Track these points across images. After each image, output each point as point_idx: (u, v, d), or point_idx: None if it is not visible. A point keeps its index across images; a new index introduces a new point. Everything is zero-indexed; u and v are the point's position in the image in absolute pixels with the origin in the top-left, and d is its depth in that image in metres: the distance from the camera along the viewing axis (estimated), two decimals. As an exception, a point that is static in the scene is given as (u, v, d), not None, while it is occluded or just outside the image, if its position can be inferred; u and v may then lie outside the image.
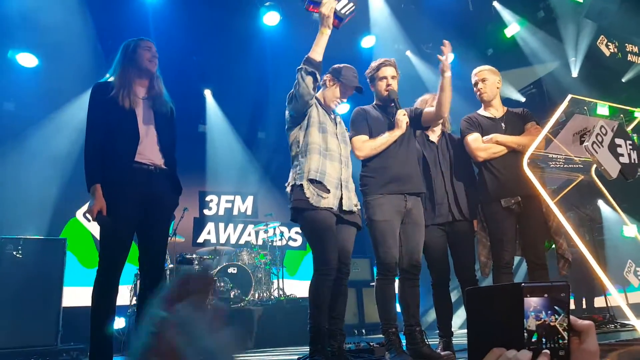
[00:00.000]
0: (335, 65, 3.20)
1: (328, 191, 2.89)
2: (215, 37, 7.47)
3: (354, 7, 2.94)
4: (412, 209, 3.13)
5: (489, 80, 3.46)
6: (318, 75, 2.89)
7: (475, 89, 3.50)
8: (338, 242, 2.90)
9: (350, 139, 3.23)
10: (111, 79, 2.85)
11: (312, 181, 2.87)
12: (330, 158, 2.98)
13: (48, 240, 5.56)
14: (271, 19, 7.24)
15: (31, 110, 7.27)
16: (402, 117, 3.17)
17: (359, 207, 3.07)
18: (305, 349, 2.86)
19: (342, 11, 2.92)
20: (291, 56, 7.49)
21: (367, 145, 3.19)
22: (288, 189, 3.00)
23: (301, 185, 2.87)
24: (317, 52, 2.88)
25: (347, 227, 3.01)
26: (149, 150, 2.75)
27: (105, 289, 2.56)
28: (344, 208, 2.93)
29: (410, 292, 3.14)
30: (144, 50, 2.87)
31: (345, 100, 3.20)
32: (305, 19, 7.50)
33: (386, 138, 3.16)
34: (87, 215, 2.60)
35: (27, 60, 7.01)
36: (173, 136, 2.97)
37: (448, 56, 3.07)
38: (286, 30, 7.39)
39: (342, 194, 2.95)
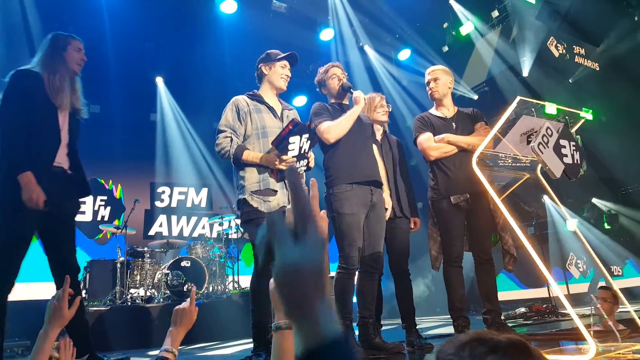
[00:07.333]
0: (260, 57, 3.18)
1: (274, 192, 2.87)
2: (169, 23, 7.24)
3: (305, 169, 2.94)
4: (377, 202, 3.16)
5: (440, 79, 3.53)
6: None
7: (427, 87, 3.58)
8: None
9: (315, 128, 3.16)
10: (36, 69, 2.75)
11: (255, 192, 2.85)
12: None
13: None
14: (228, 7, 7.11)
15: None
16: (359, 93, 3.19)
17: None
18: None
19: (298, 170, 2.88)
20: (248, 45, 7.43)
21: (333, 127, 3.13)
22: (234, 206, 2.98)
23: (245, 199, 2.85)
24: (247, 161, 2.87)
25: None
26: (60, 154, 2.75)
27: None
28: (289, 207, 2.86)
29: (369, 285, 3.18)
30: (75, 50, 2.81)
31: (289, 74, 3.13)
32: (263, 8, 7.44)
33: (348, 115, 3.15)
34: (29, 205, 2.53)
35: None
36: (78, 139, 2.95)
37: None
38: (243, 18, 7.25)
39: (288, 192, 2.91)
